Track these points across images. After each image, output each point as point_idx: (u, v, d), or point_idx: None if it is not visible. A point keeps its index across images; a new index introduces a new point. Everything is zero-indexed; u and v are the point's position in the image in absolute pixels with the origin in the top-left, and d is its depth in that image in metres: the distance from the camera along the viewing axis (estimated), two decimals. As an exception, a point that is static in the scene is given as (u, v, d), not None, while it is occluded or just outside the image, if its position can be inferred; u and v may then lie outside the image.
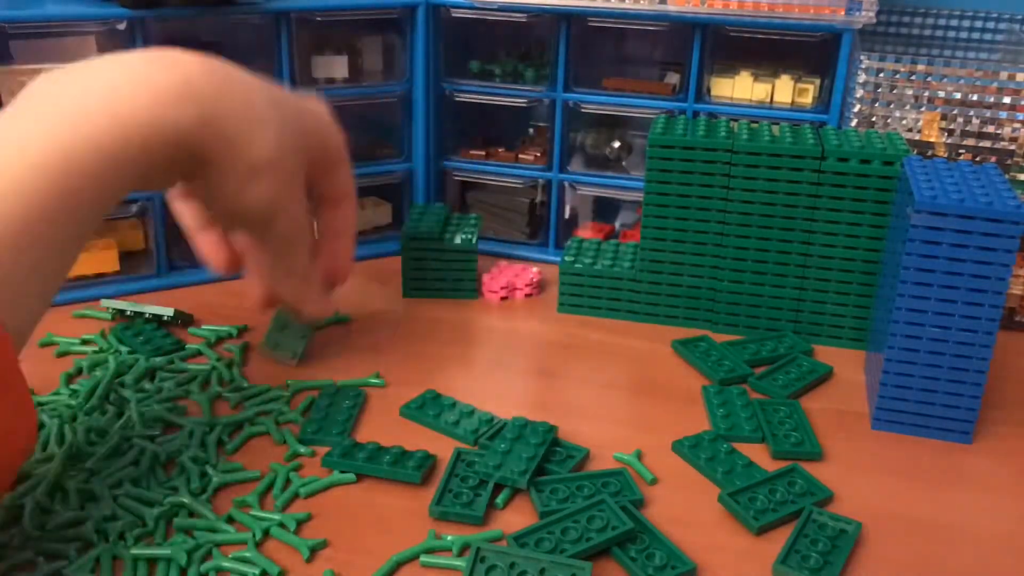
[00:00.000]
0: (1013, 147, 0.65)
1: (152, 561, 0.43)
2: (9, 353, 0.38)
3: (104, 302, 0.66)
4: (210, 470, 0.49)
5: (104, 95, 0.42)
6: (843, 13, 0.65)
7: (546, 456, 0.50)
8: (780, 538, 0.46)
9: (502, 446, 0.50)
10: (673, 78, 0.75)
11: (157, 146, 0.43)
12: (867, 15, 0.65)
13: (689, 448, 0.52)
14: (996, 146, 0.65)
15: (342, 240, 0.58)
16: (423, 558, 0.44)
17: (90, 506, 0.46)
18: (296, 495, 0.48)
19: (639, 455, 0.52)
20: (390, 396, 0.57)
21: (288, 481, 0.49)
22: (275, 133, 0.47)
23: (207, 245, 0.57)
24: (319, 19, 0.70)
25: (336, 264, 0.58)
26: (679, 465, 0.52)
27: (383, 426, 0.55)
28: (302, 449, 0.51)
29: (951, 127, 0.65)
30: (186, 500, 0.47)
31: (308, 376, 0.59)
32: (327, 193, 0.56)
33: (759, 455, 0.52)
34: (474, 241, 0.68)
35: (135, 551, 0.43)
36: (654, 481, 0.50)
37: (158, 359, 0.60)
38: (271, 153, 0.47)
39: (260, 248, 0.54)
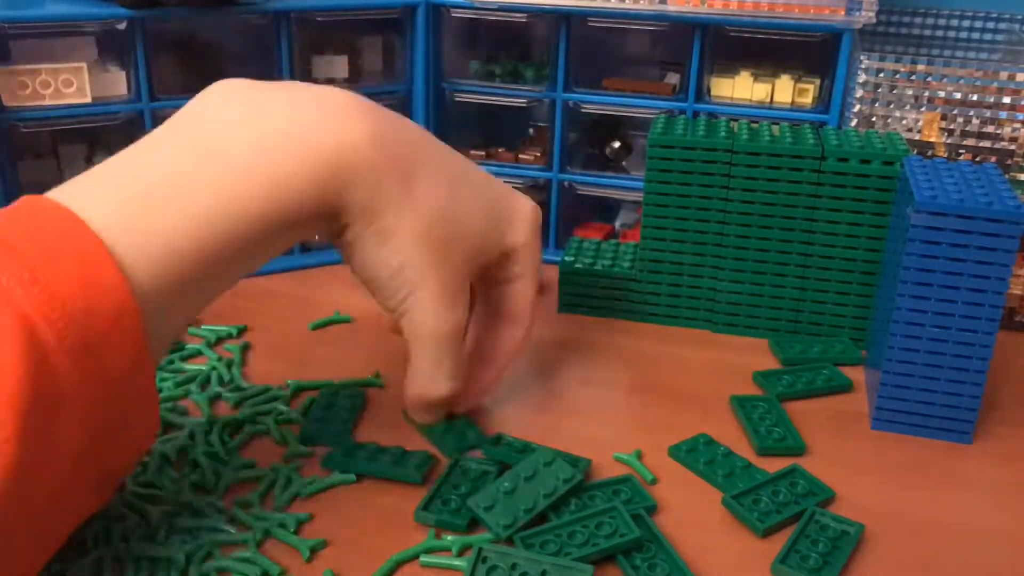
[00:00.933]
0: (1013, 147, 0.65)
1: (152, 561, 0.43)
2: (140, 337, 0.38)
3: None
4: (217, 469, 0.49)
5: (271, 157, 0.43)
6: (843, 13, 0.65)
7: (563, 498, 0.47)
8: (783, 539, 0.46)
9: (506, 484, 0.46)
10: (673, 78, 0.75)
11: (310, 214, 0.44)
12: (867, 15, 0.65)
13: (686, 453, 0.52)
14: (996, 146, 0.65)
15: (491, 366, 0.54)
16: (423, 558, 0.44)
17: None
18: (296, 495, 0.48)
19: (639, 455, 0.52)
20: (390, 396, 0.57)
21: (288, 481, 0.49)
22: (417, 212, 0.46)
23: None
24: (319, 19, 0.70)
25: (469, 388, 0.54)
26: (679, 465, 0.52)
27: (383, 426, 0.54)
28: (302, 449, 0.51)
29: (951, 127, 0.65)
30: (191, 499, 0.47)
31: (308, 376, 0.59)
32: (497, 306, 0.54)
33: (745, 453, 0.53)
34: None
35: (136, 550, 0.43)
36: (654, 481, 0.50)
37: (158, 359, 0.60)
38: (407, 229, 0.46)
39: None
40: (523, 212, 0.52)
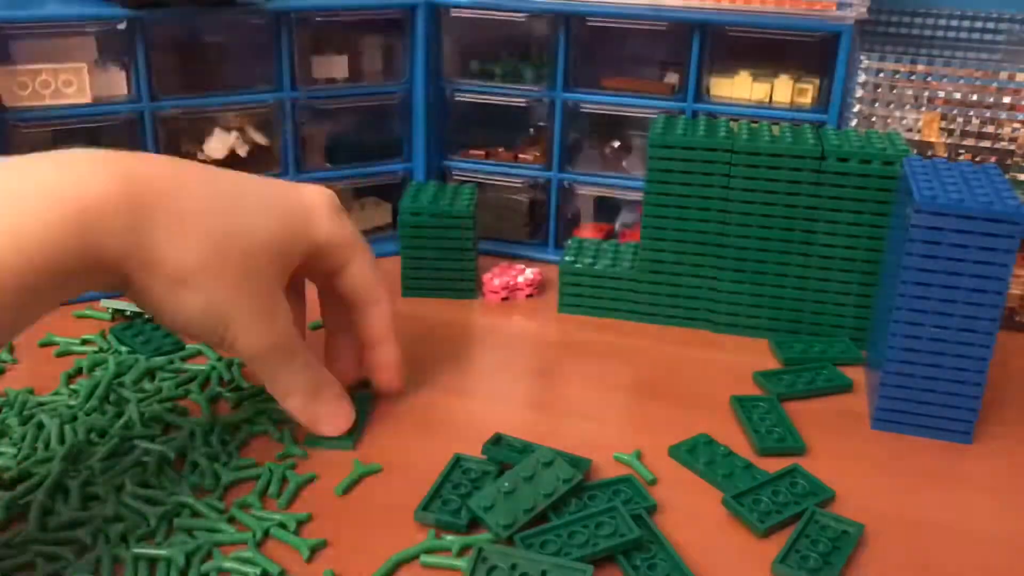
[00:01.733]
0: (1013, 147, 0.65)
1: (152, 562, 0.43)
2: None
3: (104, 302, 0.66)
4: (220, 468, 0.49)
5: (11, 213, 0.40)
6: (834, 8, 0.65)
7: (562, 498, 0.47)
8: (782, 539, 0.46)
9: (506, 485, 0.46)
10: (673, 78, 0.75)
11: (63, 271, 0.41)
12: (859, 10, 0.65)
13: (686, 453, 0.52)
14: (996, 146, 0.65)
15: (379, 349, 0.54)
16: (423, 558, 0.44)
17: (94, 505, 0.46)
18: (296, 494, 0.48)
19: (639, 455, 0.52)
20: (390, 396, 0.57)
21: (285, 480, 0.49)
22: (198, 243, 0.44)
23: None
24: (319, 19, 0.70)
25: (382, 376, 0.55)
26: (679, 465, 0.52)
27: (388, 428, 0.55)
28: (296, 450, 0.51)
29: (951, 127, 0.65)
30: (189, 499, 0.47)
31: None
32: (345, 295, 0.53)
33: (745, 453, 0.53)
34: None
35: (136, 551, 0.43)
36: (654, 481, 0.50)
37: (158, 359, 0.60)
38: (194, 263, 0.44)
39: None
40: (314, 203, 0.50)
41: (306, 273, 0.53)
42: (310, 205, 0.50)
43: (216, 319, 0.46)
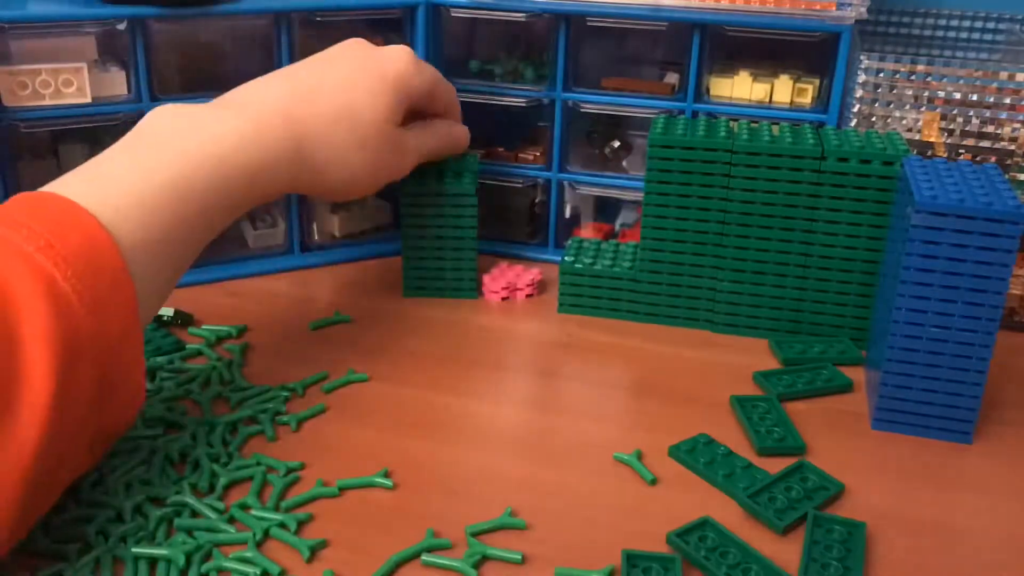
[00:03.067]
0: (1013, 147, 0.65)
1: (152, 562, 0.43)
2: (132, 297, 0.45)
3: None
4: (219, 469, 0.49)
5: (216, 144, 0.52)
6: (834, 8, 0.65)
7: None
8: (789, 539, 0.46)
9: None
10: (672, 78, 0.75)
11: (258, 187, 0.54)
12: (858, 10, 0.65)
13: (686, 453, 0.52)
14: (996, 146, 0.65)
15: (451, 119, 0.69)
16: (423, 558, 0.44)
17: (95, 504, 0.47)
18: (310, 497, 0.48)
19: (639, 455, 0.52)
20: (390, 396, 0.57)
21: (285, 481, 0.49)
22: (357, 156, 0.59)
23: None
24: (319, 19, 0.70)
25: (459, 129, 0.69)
26: (679, 465, 0.52)
27: (388, 427, 0.55)
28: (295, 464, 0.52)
29: (951, 127, 0.65)
30: (189, 500, 0.47)
31: (307, 373, 0.59)
32: (434, 113, 0.67)
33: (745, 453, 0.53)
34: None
35: (136, 550, 0.43)
36: (654, 481, 0.50)
37: (158, 359, 0.60)
38: (352, 176, 0.60)
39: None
40: (397, 68, 0.61)
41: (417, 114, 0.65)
42: (401, 64, 0.61)
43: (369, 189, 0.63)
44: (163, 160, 0.49)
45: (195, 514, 0.46)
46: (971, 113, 0.65)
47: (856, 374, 0.61)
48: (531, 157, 0.77)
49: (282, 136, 0.55)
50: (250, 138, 0.53)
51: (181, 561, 0.43)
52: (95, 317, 0.42)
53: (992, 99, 0.64)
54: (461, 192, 0.67)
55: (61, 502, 0.46)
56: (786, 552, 0.45)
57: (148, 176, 0.48)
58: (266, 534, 0.45)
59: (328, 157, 0.58)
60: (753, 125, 0.65)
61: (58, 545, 0.44)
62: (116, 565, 0.43)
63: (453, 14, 0.73)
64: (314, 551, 0.44)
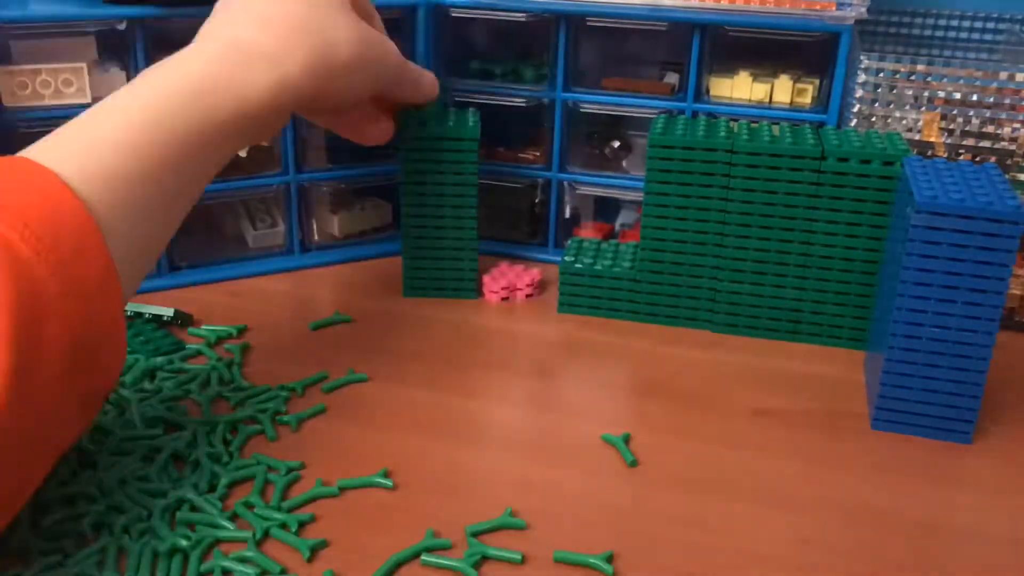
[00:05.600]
0: (1013, 147, 0.65)
1: (153, 556, 0.43)
2: (104, 253, 0.43)
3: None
4: (221, 469, 0.49)
5: (233, 77, 0.50)
6: (834, 8, 0.65)
7: None
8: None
9: None
10: (672, 78, 0.75)
11: (270, 118, 0.52)
12: (858, 10, 0.65)
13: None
14: (996, 146, 0.65)
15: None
16: (423, 558, 0.44)
17: (96, 499, 0.47)
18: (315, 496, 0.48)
19: (627, 438, 0.53)
20: (390, 396, 0.57)
21: (286, 481, 0.49)
22: (359, 80, 0.58)
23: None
24: (319, 19, 0.70)
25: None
26: (679, 465, 0.52)
27: (387, 427, 0.55)
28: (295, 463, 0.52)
29: (951, 127, 0.65)
30: (190, 495, 0.47)
31: (307, 373, 0.59)
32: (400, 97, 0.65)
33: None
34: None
35: (140, 542, 0.43)
36: (634, 463, 0.51)
37: (158, 359, 0.60)
38: (349, 96, 0.58)
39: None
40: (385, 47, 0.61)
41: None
42: (383, 45, 0.61)
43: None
44: (132, 99, 0.47)
45: (195, 509, 0.46)
46: (971, 113, 0.65)
47: (856, 374, 0.61)
48: (531, 157, 0.77)
49: (262, 39, 0.51)
50: (224, 52, 0.50)
51: (181, 559, 0.43)
52: (60, 277, 0.40)
53: (992, 99, 0.64)
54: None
55: (58, 501, 0.46)
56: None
57: (111, 118, 0.46)
58: (266, 533, 0.45)
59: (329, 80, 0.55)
60: (753, 125, 0.65)
61: (58, 542, 0.44)
62: (120, 556, 0.43)
63: (453, 14, 0.73)
64: (314, 551, 0.44)
